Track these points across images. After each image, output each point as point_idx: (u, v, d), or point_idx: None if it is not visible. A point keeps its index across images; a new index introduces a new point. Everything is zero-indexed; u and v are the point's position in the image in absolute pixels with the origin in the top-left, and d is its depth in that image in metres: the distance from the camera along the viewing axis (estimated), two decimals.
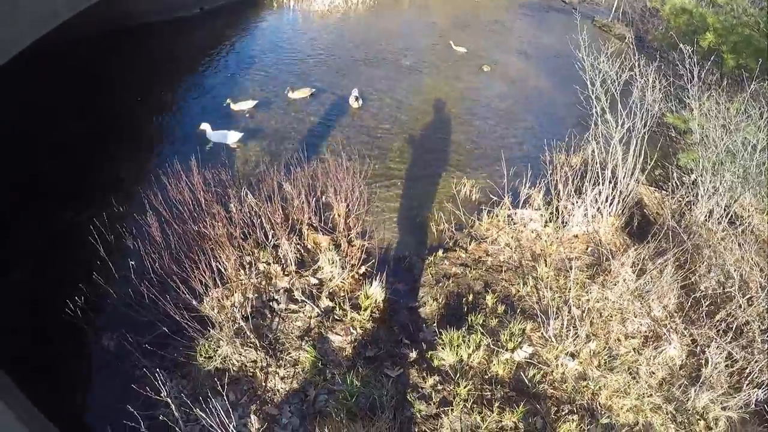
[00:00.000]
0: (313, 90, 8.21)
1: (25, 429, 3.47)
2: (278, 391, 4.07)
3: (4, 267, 5.51)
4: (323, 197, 5.41)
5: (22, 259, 5.65)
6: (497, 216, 5.67)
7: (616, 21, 12.97)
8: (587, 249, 5.39)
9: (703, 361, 4.09)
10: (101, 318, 4.84)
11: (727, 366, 4.04)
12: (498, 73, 9.54)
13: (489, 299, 4.72)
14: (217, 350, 4.23)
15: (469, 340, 4.21)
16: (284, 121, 7.70)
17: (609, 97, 5.49)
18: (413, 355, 4.24)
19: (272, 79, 8.90)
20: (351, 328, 4.44)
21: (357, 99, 7.71)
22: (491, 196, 5.82)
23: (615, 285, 4.70)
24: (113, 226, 5.17)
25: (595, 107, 5.54)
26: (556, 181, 5.61)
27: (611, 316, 4.55)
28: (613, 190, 5.41)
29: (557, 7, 14.08)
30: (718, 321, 4.42)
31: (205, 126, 6.81)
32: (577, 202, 5.46)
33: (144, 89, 8.78)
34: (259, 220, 4.98)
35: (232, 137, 6.83)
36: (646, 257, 4.86)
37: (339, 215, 5.14)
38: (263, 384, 4.11)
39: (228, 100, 7.77)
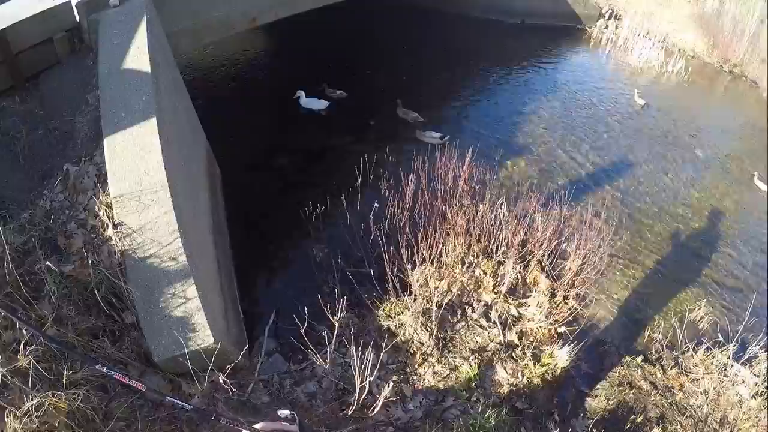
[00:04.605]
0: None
1: (221, 295, 4.16)
2: (424, 380, 4.21)
3: (274, 156, 6.52)
4: (565, 244, 5.33)
5: (290, 155, 6.62)
6: (713, 357, 5.07)
7: None
8: None
9: None
10: (326, 231, 5.50)
11: None
12: None
13: None
14: (399, 315, 4.53)
15: None
16: (563, 158, 7.78)
17: None
18: None
19: (567, 114, 9.11)
20: (520, 373, 4.38)
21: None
22: (718, 334, 5.20)
23: None
24: (377, 168, 5.74)
25: None
26: None
27: None
28: None
29: None
30: None
31: (300, 92, 7.61)
32: None
33: (448, 68, 9.89)
34: (498, 233, 5.08)
35: (322, 105, 7.62)
36: None
37: (570, 268, 5.01)
38: (416, 367, 4.30)
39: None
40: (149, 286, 3.46)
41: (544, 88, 9.93)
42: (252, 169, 6.51)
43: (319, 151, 6.92)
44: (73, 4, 4.73)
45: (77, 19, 4.79)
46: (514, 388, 4.30)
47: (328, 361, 4.02)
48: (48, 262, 3.42)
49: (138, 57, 4.26)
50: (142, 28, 4.48)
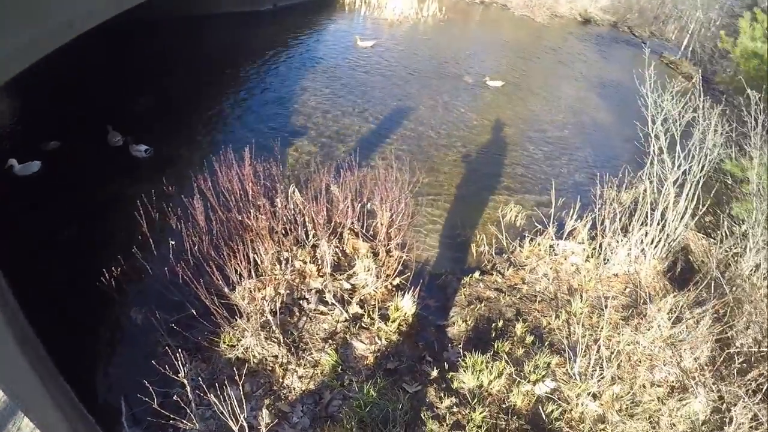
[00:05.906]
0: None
1: (59, 411, 3.56)
2: (294, 389, 4.05)
3: (51, 230, 5.70)
4: (369, 204, 5.38)
5: (67, 224, 5.83)
6: (539, 245, 5.55)
7: (684, 59, 12.54)
8: (625, 289, 5.21)
9: (727, 420, 3.81)
10: (133, 291, 4.95)
11: (751, 428, 3.75)
12: (555, 101, 9.39)
13: (519, 328, 4.59)
14: (240, 340, 4.25)
15: (492, 367, 4.10)
16: (342, 124, 7.84)
17: (668, 137, 5.25)
18: (434, 373, 4.14)
19: (334, 81, 9.16)
20: (376, 337, 4.39)
21: None
22: (536, 224, 5.70)
23: (648, 330, 4.51)
24: (159, 204, 5.27)
25: (653, 146, 5.31)
26: (604, 216, 5.45)
27: (640, 362, 4.35)
28: (660, 232, 5.20)
29: (625, 39, 13.75)
30: (749, 380, 4.10)
31: (11, 161, 6.84)
32: (621, 240, 5.29)
33: (203, 76, 9.16)
34: (302, 219, 4.99)
35: (36, 166, 6.93)
36: (685, 305, 4.62)
37: (382, 224, 5.09)
38: (280, 380, 4.10)
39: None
40: None
41: (307, 63, 9.96)
42: (32, 256, 5.63)
43: (97, 213, 6.17)
44: None
45: None
46: (378, 353, 4.31)
47: (195, 420, 3.66)
48: None
49: None
50: None
